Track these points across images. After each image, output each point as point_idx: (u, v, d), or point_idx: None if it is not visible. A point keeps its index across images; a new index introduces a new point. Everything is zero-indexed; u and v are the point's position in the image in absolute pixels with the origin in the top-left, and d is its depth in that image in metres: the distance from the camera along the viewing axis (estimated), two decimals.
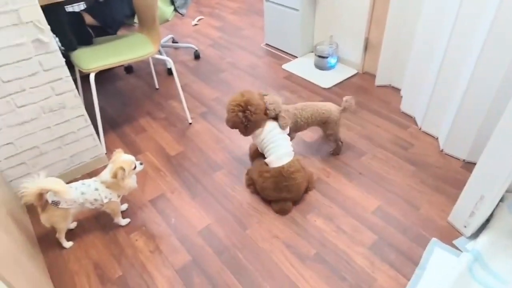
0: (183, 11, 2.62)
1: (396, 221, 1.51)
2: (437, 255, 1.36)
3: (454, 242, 1.41)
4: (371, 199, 1.62)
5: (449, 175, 1.71)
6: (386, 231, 1.47)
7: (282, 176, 1.50)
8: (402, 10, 2.03)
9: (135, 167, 1.44)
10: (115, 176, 1.37)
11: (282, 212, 1.57)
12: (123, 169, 1.38)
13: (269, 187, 1.54)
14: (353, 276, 1.32)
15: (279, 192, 1.54)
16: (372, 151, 1.87)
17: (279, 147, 1.54)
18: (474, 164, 1.33)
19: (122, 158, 1.42)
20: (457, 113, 1.67)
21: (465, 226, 1.42)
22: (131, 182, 1.44)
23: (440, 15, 1.68)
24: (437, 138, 1.92)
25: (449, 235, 1.44)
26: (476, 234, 1.40)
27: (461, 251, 1.36)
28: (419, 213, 1.54)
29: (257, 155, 1.68)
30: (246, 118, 1.51)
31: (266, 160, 1.57)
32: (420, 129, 1.99)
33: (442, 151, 1.84)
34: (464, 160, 1.77)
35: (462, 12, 1.54)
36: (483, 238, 1.36)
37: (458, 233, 1.45)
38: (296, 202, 1.61)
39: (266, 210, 1.59)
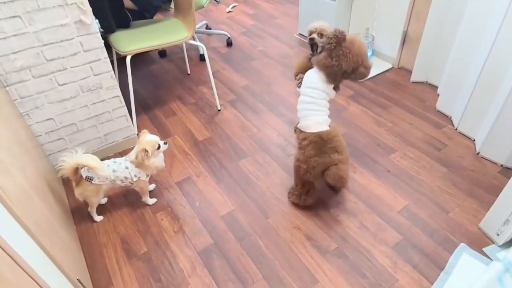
0: None
1: (423, 223, 1.47)
2: (464, 261, 1.31)
3: (484, 249, 1.35)
4: (398, 198, 1.58)
5: (484, 179, 1.63)
6: (411, 232, 1.44)
7: (322, 140, 1.33)
8: (446, 4, 1.92)
9: (159, 147, 1.46)
10: (137, 157, 1.42)
11: (339, 179, 1.32)
12: (146, 150, 1.41)
13: (312, 154, 1.34)
14: (373, 274, 1.30)
15: (326, 156, 1.33)
16: (402, 149, 1.82)
17: (320, 112, 1.38)
18: None
19: (146, 139, 1.45)
20: (498, 115, 1.58)
21: (497, 234, 1.35)
22: (157, 161, 1.48)
23: (487, 12, 1.58)
24: (473, 140, 1.83)
25: (479, 242, 1.38)
26: (509, 244, 1.34)
27: (491, 260, 1.31)
28: (448, 217, 1.48)
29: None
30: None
31: (300, 125, 1.41)
32: (456, 129, 1.91)
33: (478, 154, 1.75)
34: (502, 165, 1.68)
35: (511, 9, 1.44)
36: None
37: (489, 241, 1.39)
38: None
39: (289, 201, 1.59)
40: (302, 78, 1.45)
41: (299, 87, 1.47)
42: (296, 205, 1.57)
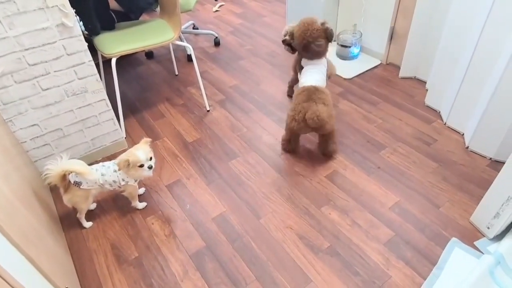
0: None
1: (414, 219, 1.47)
2: (456, 255, 1.31)
3: (476, 243, 1.36)
4: (389, 194, 1.58)
5: (474, 173, 1.64)
6: (403, 228, 1.44)
7: (316, 89, 1.60)
8: None
9: (141, 166, 1.40)
10: (118, 164, 1.39)
11: (316, 118, 1.51)
12: (128, 162, 1.38)
13: (301, 100, 1.58)
14: (366, 272, 1.30)
15: (313, 103, 1.56)
16: (392, 145, 1.82)
17: (316, 74, 1.70)
18: (502, 163, 1.27)
19: (136, 151, 1.40)
20: (486, 109, 1.59)
21: (488, 228, 1.36)
22: (137, 175, 1.43)
23: (472, 6, 1.59)
24: (462, 135, 1.84)
25: (470, 236, 1.39)
26: (499, 237, 1.35)
27: (483, 253, 1.32)
28: (439, 212, 1.49)
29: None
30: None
31: (303, 83, 1.68)
32: (445, 124, 1.92)
33: (467, 148, 1.76)
34: (491, 158, 1.69)
35: (497, 2, 1.44)
36: (507, 240, 1.30)
37: (480, 234, 1.40)
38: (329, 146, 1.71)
39: (280, 200, 1.59)
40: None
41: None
42: (288, 204, 1.56)
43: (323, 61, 1.79)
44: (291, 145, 1.78)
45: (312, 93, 1.59)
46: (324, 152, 1.77)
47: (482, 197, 1.37)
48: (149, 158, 1.42)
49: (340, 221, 1.48)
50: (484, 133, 1.65)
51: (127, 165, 1.39)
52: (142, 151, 1.41)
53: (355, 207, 1.53)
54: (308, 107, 1.55)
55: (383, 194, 1.58)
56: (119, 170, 1.42)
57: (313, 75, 1.69)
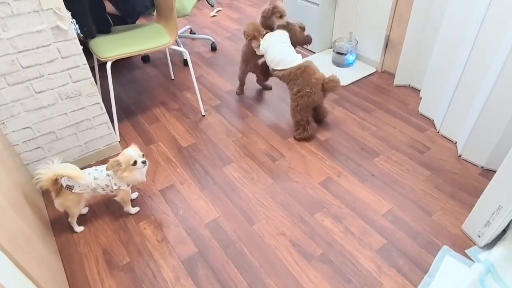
0: (212, 1, 2.63)
1: (407, 226, 1.48)
2: (447, 263, 1.32)
3: (467, 251, 1.37)
4: (382, 202, 1.58)
5: (466, 182, 1.65)
6: (395, 236, 1.44)
7: (308, 63, 1.80)
8: (427, 8, 1.95)
9: (135, 163, 1.38)
10: (107, 168, 1.37)
11: (337, 82, 1.76)
12: (119, 162, 1.36)
13: (309, 74, 1.77)
14: (358, 279, 1.30)
15: (318, 73, 1.78)
16: (386, 152, 1.83)
17: (291, 49, 1.90)
18: (494, 172, 1.28)
19: (125, 151, 1.40)
20: (478, 118, 1.61)
21: (479, 236, 1.37)
22: (131, 176, 1.40)
23: (466, 16, 1.61)
24: (455, 143, 1.86)
25: (462, 244, 1.40)
26: (490, 245, 1.36)
27: (473, 261, 1.32)
28: (431, 220, 1.50)
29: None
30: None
31: (286, 65, 1.82)
32: (438, 132, 1.93)
33: (460, 156, 1.78)
34: (482, 167, 1.71)
35: (489, 13, 1.47)
36: (497, 249, 1.31)
37: (471, 243, 1.40)
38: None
39: (274, 207, 1.58)
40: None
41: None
42: (281, 210, 1.56)
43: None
44: (310, 128, 1.87)
45: (308, 66, 1.78)
46: (322, 118, 2.00)
47: (473, 206, 1.38)
48: (140, 155, 1.41)
49: (333, 228, 1.48)
50: (476, 142, 1.67)
51: (117, 165, 1.37)
52: (132, 149, 1.41)
53: (348, 214, 1.54)
54: (321, 78, 1.77)
55: (376, 201, 1.59)
56: (107, 170, 1.39)
57: (294, 52, 1.88)
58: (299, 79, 1.76)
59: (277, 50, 1.86)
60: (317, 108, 1.92)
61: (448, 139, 1.89)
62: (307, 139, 1.91)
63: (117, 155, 1.46)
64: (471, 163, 1.74)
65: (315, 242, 1.43)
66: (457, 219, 1.49)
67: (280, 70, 1.85)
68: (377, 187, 1.65)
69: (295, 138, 1.92)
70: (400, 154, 1.82)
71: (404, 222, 1.49)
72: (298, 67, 1.77)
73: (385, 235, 1.45)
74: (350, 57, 2.49)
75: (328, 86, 1.76)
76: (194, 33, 3.08)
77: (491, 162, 1.66)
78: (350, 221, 1.51)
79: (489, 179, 1.30)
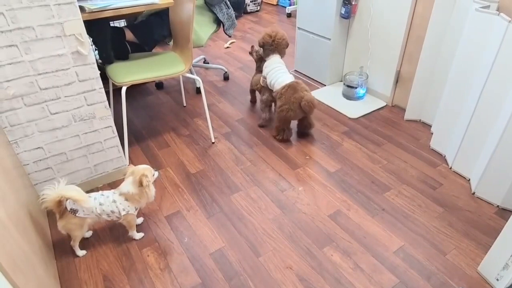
0: (230, 32, 2.73)
1: (419, 265, 1.41)
2: None
3: None
4: (393, 238, 1.53)
5: (481, 220, 1.59)
6: (408, 275, 1.37)
7: (297, 83, 2.01)
8: (437, 45, 1.99)
9: (153, 174, 1.47)
10: (141, 183, 1.39)
11: (311, 102, 1.93)
12: (146, 176, 1.40)
13: (291, 93, 1.98)
14: None
15: (299, 92, 1.97)
16: (397, 187, 1.79)
17: (287, 72, 2.12)
18: (510, 211, 1.23)
19: (139, 168, 1.44)
20: (492, 155, 1.58)
21: (497, 279, 1.29)
22: (149, 193, 1.44)
23: (478, 52, 1.63)
24: (468, 180, 1.81)
25: (478, 287, 1.32)
26: None
27: None
28: (446, 259, 1.43)
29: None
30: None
31: (277, 85, 2.07)
32: (450, 168, 1.90)
33: (473, 194, 1.73)
34: (498, 206, 1.65)
35: (502, 49, 1.48)
36: None
37: (489, 286, 1.33)
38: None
39: (281, 238, 1.54)
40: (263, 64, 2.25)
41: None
42: (289, 242, 1.51)
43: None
44: (285, 134, 2.12)
45: (295, 86, 1.99)
46: (306, 130, 2.20)
47: (489, 246, 1.32)
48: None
49: (342, 263, 1.42)
50: (491, 180, 1.63)
51: (147, 179, 1.40)
52: (142, 166, 1.45)
53: (358, 250, 1.48)
54: (299, 98, 1.96)
55: (387, 237, 1.53)
56: (129, 196, 1.42)
57: (286, 74, 2.11)
58: (282, 96, 2.02)
59: (272, 74, 2.14)
60: (303, 120, 2.15)
61: (461, 176, 1.85)
62: (285, 141, 2.16)
63: (123, 179, 1.45)
64: (485, 201, 1.69)
65: (323, 277, 1.37)
66: (473, 259, 1.42)
67: (274, 91, 2.15)
68: (388, 222, 1.60)
69: (275, 138, 2.18)
70: (412, 189, 1.77)
71: (416, 260, 1.43)
72: (283, 86, 2.03)
73: (397, 274, 1.38)
74: (361, 91, 2.51)
75: (303, 106, 1.95)
76: (208, 63, 3.17)
77: (507, 201, 1.60)
78: (360, 257, 1.45)
79: (505, 218, 1.25)
